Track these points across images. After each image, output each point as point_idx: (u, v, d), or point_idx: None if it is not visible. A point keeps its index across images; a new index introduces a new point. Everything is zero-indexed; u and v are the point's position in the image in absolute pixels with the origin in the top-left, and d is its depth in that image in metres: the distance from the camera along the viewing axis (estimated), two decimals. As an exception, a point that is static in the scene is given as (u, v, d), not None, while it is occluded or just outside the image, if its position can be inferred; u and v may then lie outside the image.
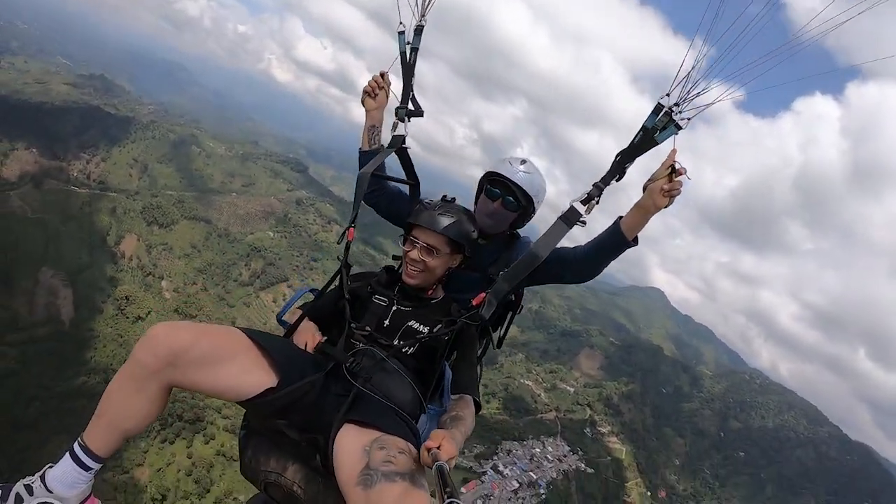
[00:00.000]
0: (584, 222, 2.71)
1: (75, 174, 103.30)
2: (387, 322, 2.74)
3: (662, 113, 2.53)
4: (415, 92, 3.32)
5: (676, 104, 2.51)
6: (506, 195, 3.08)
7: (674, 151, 2.59)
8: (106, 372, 68.40)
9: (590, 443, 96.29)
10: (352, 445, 2.02)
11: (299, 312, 2.88)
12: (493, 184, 3.12)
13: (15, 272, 73.20)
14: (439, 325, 2.73)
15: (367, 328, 2.68)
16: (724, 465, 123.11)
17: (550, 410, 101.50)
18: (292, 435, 2.27)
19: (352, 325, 2.68)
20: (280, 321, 2.93)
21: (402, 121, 3.27)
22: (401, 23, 3.24)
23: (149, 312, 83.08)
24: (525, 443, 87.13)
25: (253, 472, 2.49)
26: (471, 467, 74.23)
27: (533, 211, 3.22)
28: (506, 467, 78.26)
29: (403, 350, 2.66)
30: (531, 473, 79.99)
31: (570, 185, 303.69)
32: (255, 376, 2.19)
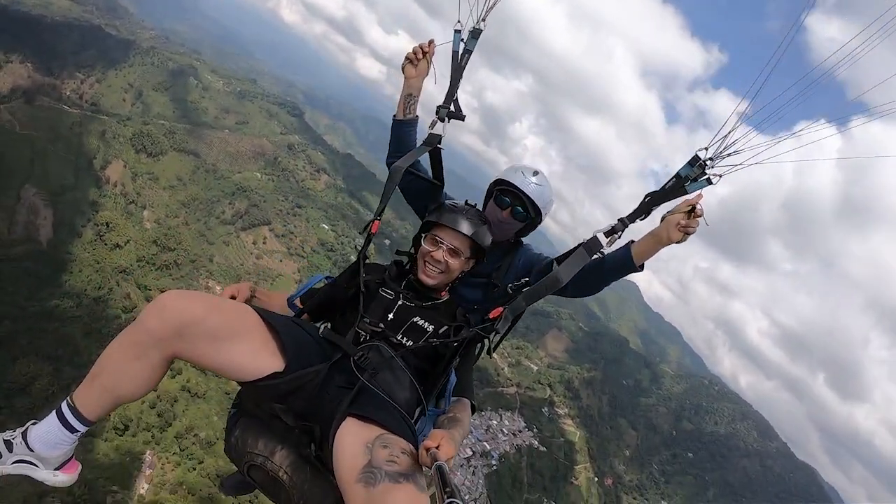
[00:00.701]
0: (603, 254, 2.80)
1: (68, 93, 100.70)
2: (391, 315, 2.75)
3: (697, 165, 2.61)
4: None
5: (711, 158, 2.59)
6: (516, 205, 3.14)
7: (700, 196, 2.68)
8: (80, 297, 68.36)
9: (546, 422, 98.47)
10: (353, 440, 2.02)
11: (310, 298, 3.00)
12: (504, 193, 3.17)
13: (-1, 186, 72.32)
14: (445, 328, 2.77)
15: (381, 325, 2.69)
16: (671, 462, 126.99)
17: (512, 385, 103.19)
18: (288, 420, 2.28)
19: (365, 318, 2.69)
20: (291, 305, 3.00)
21: (443, 120, 3.24)
22: (458, 21, 3.17)
23: (127, 241, 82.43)
24: (483, 413, 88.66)
25: (238, 453, 2.47)
26: (423, 432, 75.95)
27: (540, 222, 3.29)
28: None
29: (409, 347, 2.67)
30: (485, 444, 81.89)
31: (564, 167, 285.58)
32: (263, 358, 2.21)
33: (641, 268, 2.85)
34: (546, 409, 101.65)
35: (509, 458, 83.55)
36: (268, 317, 2.29)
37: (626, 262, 2.84)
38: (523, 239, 3.46)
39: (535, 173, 3.16)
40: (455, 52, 3.23)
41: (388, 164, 3.24)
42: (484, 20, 3.18)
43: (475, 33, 3.20)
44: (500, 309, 2.67)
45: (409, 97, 3.29)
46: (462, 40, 3.21)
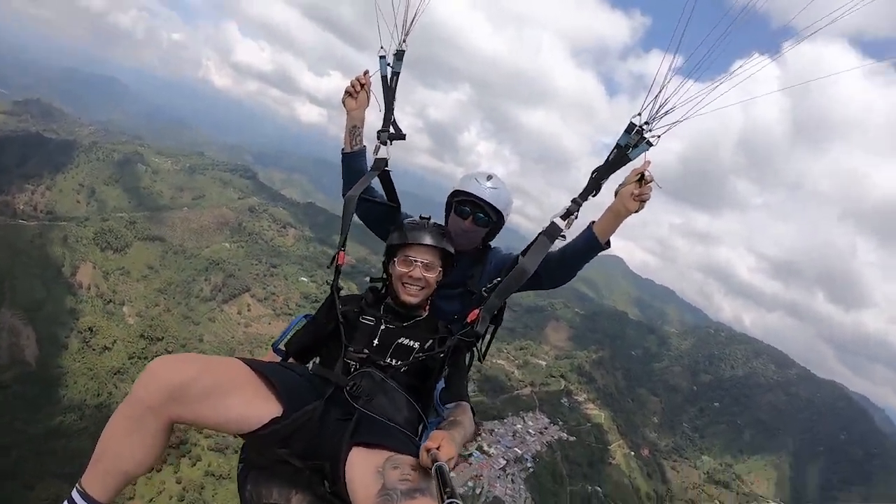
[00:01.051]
0: (564, 236, 2.87)
1: (21, 207, 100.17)
2: (376, 341, 2.77)
3: (635, 131, 2.67)
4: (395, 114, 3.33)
5: (647, 122, 2.65)
6: (476, 212, 3.16)
7: (647, 162, 2.71)
8: (81, 408, 67.10)
9: (568, 412, 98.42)
10: (364, 468, 2.04)
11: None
12: (462, 203, 3.18)
13: (-29, 317, 71.01)
14: (430, 342, 2.80)
15: (365, 350, 2.72)
16: (700, 417, 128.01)
17: (525, 386, 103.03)
18: (295, 463, 2.29)
19: (349, 347, 2.72)
20: (276, 351, 3.02)
21: (385, 144, 3.25)
22: (381, 47, 3.24)
23: (115, 341, 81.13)
24: (505, 420, 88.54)
25: None
26: (456, 451, 75.52)
27: (502, 223, 3.29)
28: (490, 447, 79.65)
29: (398, 368, 2.72)
30: (516, 449, 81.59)
31: (522, 165, 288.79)
32: (260, 407, 2.19)
33: (608, 244, 2.91)
34: (565, 399, 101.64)
35: (543, 457, 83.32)
36: (257, 366, 2.31)
37: (591, 242, 2.90)
38: (495, 246, 3.48)
39: (489, 177, 3.19)
40: (384, 77, 3.29)
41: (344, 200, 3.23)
42: (405, 41, 3.25)
43: (399, 55, 3.26)
44: (477, 311, 2.76)
45: (354, 129, 3.34)
46: (388, 64, 3.27)
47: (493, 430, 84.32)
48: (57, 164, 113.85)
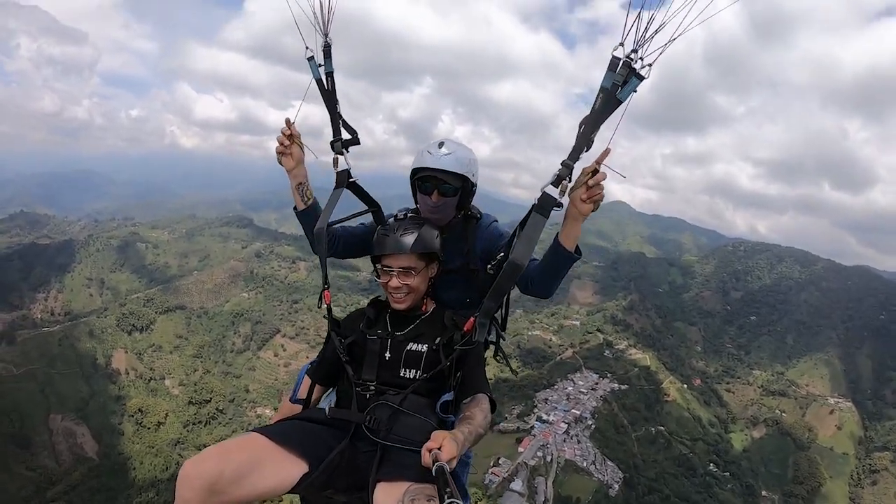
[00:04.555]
0: (560, 205, 2.52)
1: (39, 316, 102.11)
2: (388, 355, 2.74)
3: (621, 65, 2.23)
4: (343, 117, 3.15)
5: (634, 50, 2.21)
6: (439, 185, 2.98)
7: (605, 152, 2.42)
8: (155, 485, 68.36)
9: (613, 363, 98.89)
10: (387, 503, 2.12)
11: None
12: (423, 179, 3.02)
13: (26, 432, 72.58)
14: (438, 339, 2.75)
15: (371, 386, 2.70)
16: (741, 334, 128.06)
17: (566, 349, 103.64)
18: (342, 499, 2.50)
19: (358, 388, 2.71)
20: (294, 401, 3.05)
21: (340, 153, 3.09)
22: (307, 48, 2.99)
23: (166, 415, 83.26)
24: (556, 387, 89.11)
25: None
26: (518, 427, 76.20)
27: (472, 185, 3.10)
28: (548, 414, 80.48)
29: (412, 378, 2.69)
30: (574, 411, 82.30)
31: (503, 138, 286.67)
32: (288, 470, 2.29)
33: (578, 252, 2.71)
34: (607, 351, 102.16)
35: (601, 412, 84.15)
36: (274, 433, 2.39)
37: (560, 255, 2.72)
38: (486, 214, 3.35)
39: (441, 144, 3.01)
40: (318, 80, 3.08)
41: (316, 253, 3.12)
42: (328, 34, 3.02)
43: (327, 51, 3.04)
44: (472, 320, 2.61)
45: (300, 186, 3.11)
46: (320, 65, 3.05)
47: (546, 399, 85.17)
48: (60, 266, 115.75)
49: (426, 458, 1.93)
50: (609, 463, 74.17)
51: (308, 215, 3.12)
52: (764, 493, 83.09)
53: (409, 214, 3.06)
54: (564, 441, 75.39)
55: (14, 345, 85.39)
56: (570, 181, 2.47)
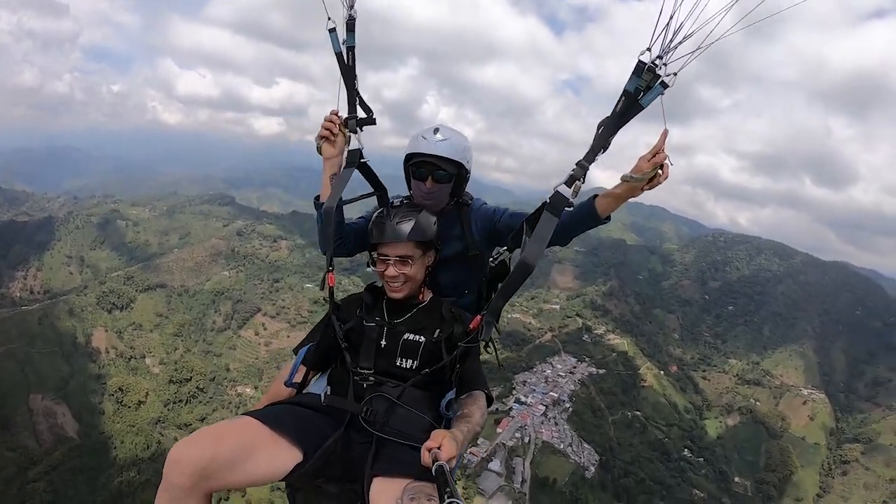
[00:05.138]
0: (571, 205, 2.50)
1: (18, 294, 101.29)
2: (384, 342, 2.71)
3: (646, 71, 2.25)
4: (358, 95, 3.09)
5: (659, 57, 2.22)
6: (434, 171, 2.97)
7: (664, 134, 2.36)
8: (136, 464, 68.45)
9: (592, 347, 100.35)
10: (384, 499, 2.08)
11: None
12: (417, 165, 3.01)
13: (6, 412, 71.77)
14: (438, 331, 2.72)
15: (370, 377, 2.66)
16: (718, 323, 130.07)
17: (545, 332, 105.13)
18: (332, 490, 2.45)
19: (356, 377, 2.68)
20: (290, 385, 2.97)
21: (354, 132, 3.06)
22: (329, 18, 2.91)
23: (146, 394, 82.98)
24: (535, 369, 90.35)
25: None
26: (497, 409, 76.88)
27: (467, 172, 3.10)
28: (527, 396, 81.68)
29: (409, 368, 2.67)
30: (552, 393, 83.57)
31: (487, 121, 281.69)
32: (282, 458, 2.26)
33: (608, 219, 2.71)
34: (586, 336, 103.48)
35: (578, 395, 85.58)
36: (268, 418, 2.36)
37: (593, 218, 2.70)
38: (476, 198, 3.34)
39: (436, 130, 2.99)
40: (338, 54, 2.99)
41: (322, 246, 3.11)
42: (353, 7, 2.95)
43: (350, 24, 2.96)
44: (479, 318, 2.57)
45: (334, 177, 3.06)
46: (343, 41, 2.98)
47: (525, 382, 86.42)
48: (39, 243, 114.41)
49: (426, 458, 1.93)
50: (586, 445, 75.83)
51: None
52: (737, 479, 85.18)
53: (404, 201, 3.05)
54: (542, 423, 76.79)
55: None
56: (582, 181, 2.45)
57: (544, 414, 78.70)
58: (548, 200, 2.48)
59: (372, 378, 2.64)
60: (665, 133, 2.34)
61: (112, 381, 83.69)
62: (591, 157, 2.41)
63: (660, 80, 2.24)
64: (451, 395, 2.64)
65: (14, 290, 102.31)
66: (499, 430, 71.97)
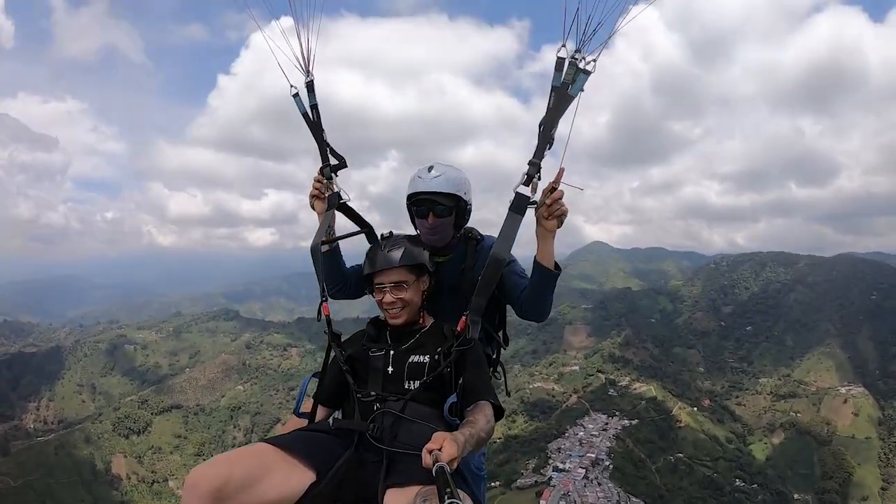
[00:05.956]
0: (534, 202, 2.69)
1: (32, 426, 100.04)
2: (391, 369, 2.75)
3: (567, 65, 2.46)
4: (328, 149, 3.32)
5: (577, 50, 2.43)
6: (433, 207, 3.06)
7: (560, 171, 2.61)
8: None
9: (619, 400, 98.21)
10: None
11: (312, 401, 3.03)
12: (417, 204, 3.11)
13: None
14: (439, 349, 2.75)
15: (372, 392, 2.70)
16: (740, 347, 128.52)
17: (570, 395, 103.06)
18: None
19: (357, 394, 2.73)
20: (298, 415, 3.03)
21: (330, 178, 3.25)
22: (292, 86, 3.26)
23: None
24: (566, 434, 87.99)
25: None
26: (536, 481, 74.60)
27: (466, 204, 3.18)
28: (564, 463, 79.19)
29: (416, 388, 2.67)
30: (589, 455, 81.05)
31: (475, 200, 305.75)
32: (296, 478, 2.30)
33: (558, 268, 2.86)
34: (611, 390, 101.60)
35: (616, 451, 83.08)
36: (282, 442, 2.41)
37: (542, 275, 2.85)
38: (489, 235, 3.36)
39: (430, 168, 3.12)
40: (304, 114, 3.28)
41: (335, 297, 3.39)
42: (311, 71, 3.25)
43: (310, 87, 3.27)
44: (463, 319, 2.67)
45: (329, 228, 3.29)
46: (307, 101, 3.28)
47: (559, 448, 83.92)
48: (49, 374, 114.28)
49: (426, 459, 1.92)
50: (634, 500, 72.73)
51: (334, 257, 3.33)
52: (796, 496, 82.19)
53: (393, 233, 3.15)
54: (585, 486, 74.00)
55: (8, 456, 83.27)
56: (539, 178, 2.65)
57: (585, 476, 75.97)
58: (511, 202, 2.69)
59: (374, 394, 2.68)
60: (560, 171, 2.60)
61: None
62: (539, 153, 2.63)
63: (582, 70, 2.45)
64: (452, 398, 2.62)
65: (28, 421, 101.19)
66: (542, 502, 69.23)
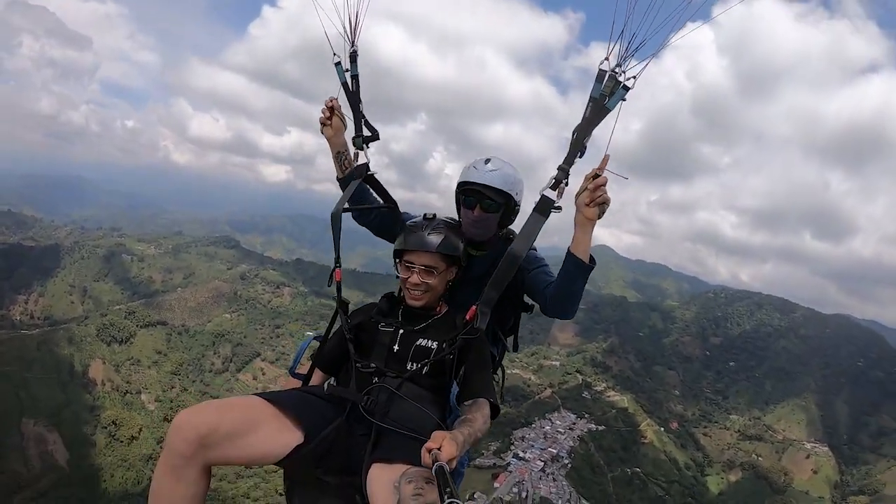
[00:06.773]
0: (559, 208, 2.65)
1: (18, 318, 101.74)
2: (397, 347, 2.75)
3: (607, 78, 2.48)
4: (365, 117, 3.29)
5: (619, 64, 2.45)
6: (482, 200, 3.00)
7: (605, 158, 2.55)
8: (126, 499, 67.56)
9: (591, 404, 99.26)
10: (381, 484, 2.10)
11: (309, 363, 3.00)
12: (466, 193, 3.05)
13: (-2, 433, 71.33)
14: (447, 339, 2.72)
15: (373, 364, 2.69)
16: (719, 379, 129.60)
17: (545, 389, 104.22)
18: (331, 480, 2.39)
19: (357, 364, 2.72)
20: (293, 374, 3.02)
21: (361, 149, 3.24)
22: (335, 54, 3.23)
23: (140, 429, 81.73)
24: (534, 425, 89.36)
25: None
26: (494, 463, 76.11)
27: (516, 204, 3.11)
28: (525, 452, 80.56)
29: (419, 371, 2.66)
30: (551, 449, 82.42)
31: None
32: (284, 437, 2.29)
33: (593, 262, 2.76)
34: (585, 392, 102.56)
35: (577, 451, 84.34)
36: (274, 398, 2.40)
37: (575, 267, 2.75)
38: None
39: (488, 161, 3.04)
40: (344, 83, 3.27)
41: (354, 219, 3.38)
42: (355, 42, 3.23)
43: (353, 57, 3.24)
44: (474, 308, 2.64)
45: (339, 155, 3.34)
46: (346, 70, 3.26)
47: (523, 437, 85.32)
48: (44, 270, 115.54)
49: (426, 458, 1.91)
50: (584, 502, 74.24)
51: (347, 181, 3.28)
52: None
53: (436, 216, 3.04)
54: (540, 479, 75.29)
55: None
56: (566, 184, 2.62)
57: (543, 470, 77.36)
58: (535, 204, 2.68)
59: (374, 366, 2.69)
60: (606, 158, 2.57)
61: (106, 414, 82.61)
62: (569, 160, 2.63)
63: (621, 85, 2.49)
64: (456, 388, 2.70)
65: (14, 312, 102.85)
66: (496, 484, 70.54)
